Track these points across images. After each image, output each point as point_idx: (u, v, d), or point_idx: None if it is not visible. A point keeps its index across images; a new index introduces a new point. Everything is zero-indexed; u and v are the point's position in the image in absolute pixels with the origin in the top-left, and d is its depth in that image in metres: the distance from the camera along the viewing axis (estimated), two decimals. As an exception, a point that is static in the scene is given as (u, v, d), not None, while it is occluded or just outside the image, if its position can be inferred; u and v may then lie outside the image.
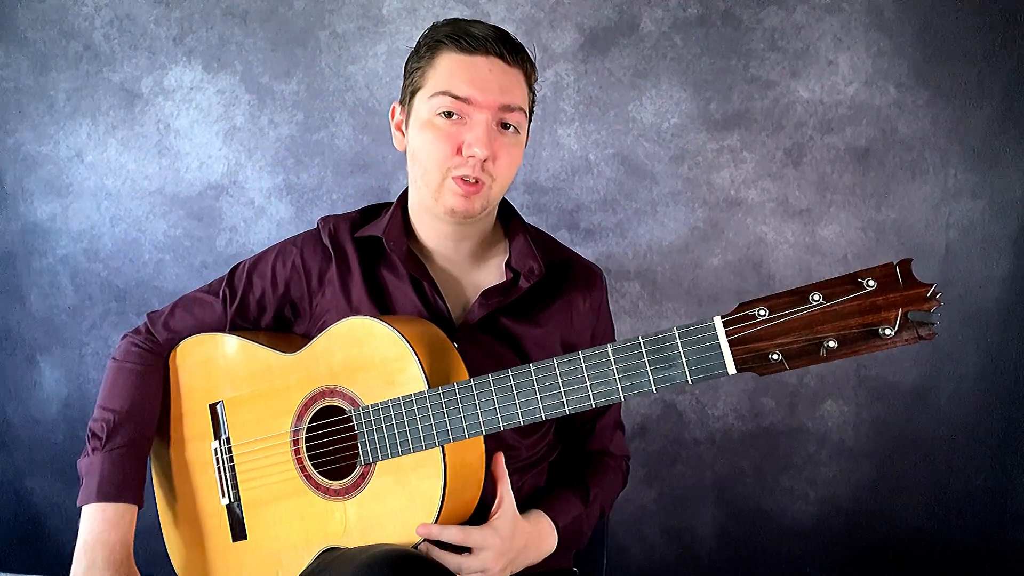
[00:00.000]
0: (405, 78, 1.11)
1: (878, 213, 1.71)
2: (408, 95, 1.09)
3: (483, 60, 1.03)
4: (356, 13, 1.78)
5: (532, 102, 1.13)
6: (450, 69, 1.04)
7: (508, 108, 1.04)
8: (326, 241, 1.17)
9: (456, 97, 1.02)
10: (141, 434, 1.17)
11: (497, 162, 1.04)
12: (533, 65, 1.10)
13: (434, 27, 1.08)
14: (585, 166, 1.77)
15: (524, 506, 1.17)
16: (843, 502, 1.82)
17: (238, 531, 1.15)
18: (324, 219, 1.20)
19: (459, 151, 1.03)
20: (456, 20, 1.07)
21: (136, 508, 1.14)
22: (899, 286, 0.76)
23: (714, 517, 1.88)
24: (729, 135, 1.72)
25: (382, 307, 1.14)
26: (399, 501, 1.00)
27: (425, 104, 1.05)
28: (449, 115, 1.04)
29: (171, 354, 1.22)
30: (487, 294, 1.11)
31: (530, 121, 1.14)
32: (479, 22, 1.06)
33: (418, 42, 1.09)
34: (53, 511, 2.11)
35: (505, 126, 1.05)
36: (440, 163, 1.04)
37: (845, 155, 1.70)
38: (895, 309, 0.76)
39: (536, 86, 1.15)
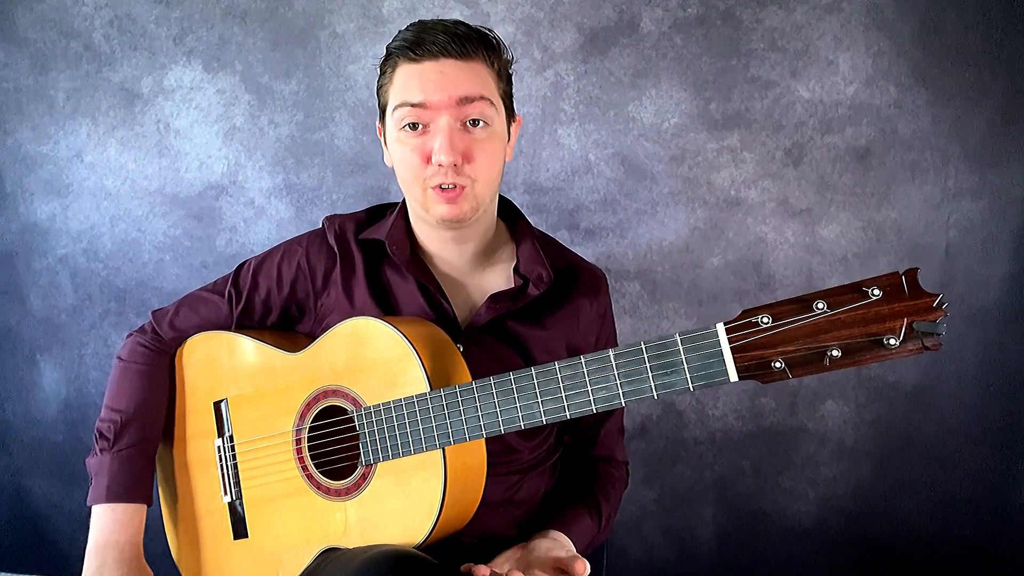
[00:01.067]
0: (377, 97, 1.11)
1: (878, 213, 1.71)
2: (381, 113, 1.11)
3: (432, 64, 1.02)
4: (356, 13, 1.78)
5: (507, 88, 1.10)
6: (404, 80, 1.04)
7: (467, 100, 1.02)
8: (331, 242, 1.17)
9: (412, 105, 1.02)
10: (148, 434, 1.18)
11: (473, 163, 1.03)
12: (496, 50, 1.07)
13: (394, 37, 1.06)
14: (585, 166, 1.77)
15: (523, 507, 1.18)
16: (843, 502, 1.82)
17: (240, 529, 1.15)
18: (330, 218, 1.20)
19: (429, 160, 1.03)
20: (414, 27, 1.05)
21: (145, 507, 1.16)
22: (904, 296, 0.76)
23: (714, 517, 1.88)
24: (729, 135, 1.72)
25: (386, 308, 1.14)
26: (399, 502, 1.00)
27: (391, 120, 1.06)
28: (415, 127, 1.03)
29: (177, 351, 1.23)
30: (496, 298, 1.11)
31: (510, 108, 1.11)
32: (435, 24, 1.04)
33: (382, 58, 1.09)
34: (53, 511, 2.11)
35: (474, 123, 1.03)
36: (415, 176, 1.05)
37: (845, 155, 1.69)
38: (900, 319, 0.76)
39: (515, 71, 1.13)
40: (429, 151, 1.02)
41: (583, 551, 1.13)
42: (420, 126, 1.03)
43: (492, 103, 1.05)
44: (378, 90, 1.10)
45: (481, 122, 1.04)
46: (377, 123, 1.14)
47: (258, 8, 1.81)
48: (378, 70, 1.10)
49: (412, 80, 1.02)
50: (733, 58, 1.69)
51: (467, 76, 1.02)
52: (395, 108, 1.04)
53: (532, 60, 1.74)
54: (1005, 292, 1.70)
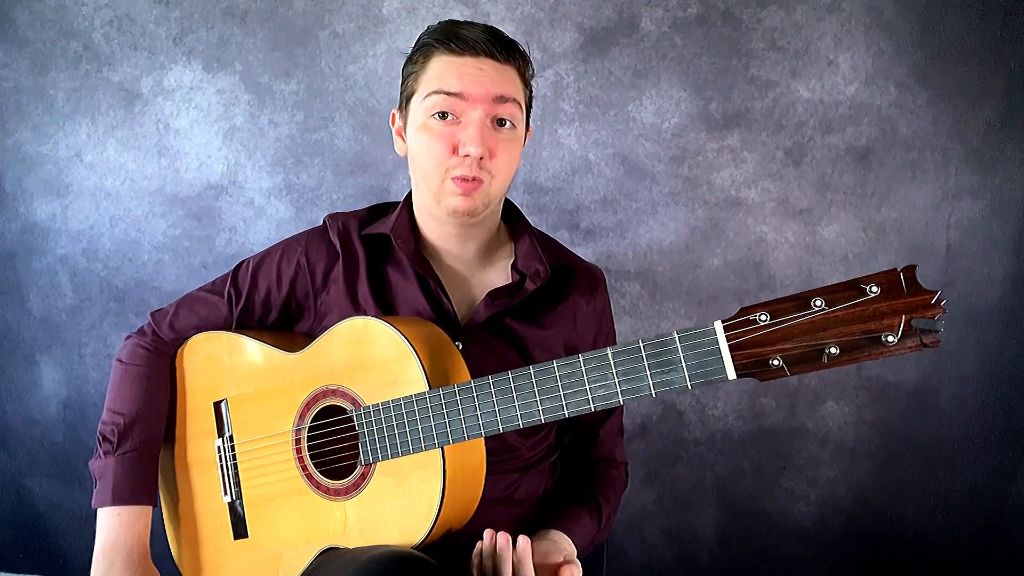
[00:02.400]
0: (402, 84, 1.12)
1: (878, 213, 1.70)
2: (404, 100, 1.11)
3: (473, 60, 1.04)
4: (356, 13, 1.78)
5: (529, 97, 1.13)
6: (441, 70, 1.05)
7: (502, 99, 1.05)
8: (334, 239, 1.17)
9: (448, 94, 1.04)
10: (151, 436, 1.18)
11: (495, 159, 1.05)
12: (527, 60, 1.11)
13: (427, 30, 1.09)
14: (585, 166, 1.77)
15: (522, 505, 1.18)
16: (844, 503, 1.82)
17: (240, 529, 1.15)
18: (332, 216, 1.20)
19: (455, 151, 1.04)
20: (448, 23, 1.08)
21: (150, 508, 1.17)
22: (903, 292, 0.75)
23: (714, 518, 1.88)
24: (729, 135, 1.72)
25: (387, 306, 1.14)
26: (399, 502, 1.00)
27: (420, 106, 1.07)
28: (444, 116, 1.05)
29: (176, 352, 1.23)
30: (493, 294, 1.12)
31: (528, 118, 1.14)
32: (471, 23, 1.07)
33: (412, 48, 1.11)
34: (53, 511, 2.11)
35: (501, 123, 1.06)
36: (438, 164, 1.05)
37: (845, 155, 1.69)
38: (898, 316, 0.75)
39: (536, 85, 1.15)
40: (457, 141, 1.04)
41: (583, 551, 1.13)
42: (451, 116, 1.05)
43: (521, 107, 1.08)
44: (404, 77, 1.11)
45: (508, 123, 1.07)
46: (394, 110, 1.15)
47: (258, 8, 1.81)
48: (412, 47, 1.11)
49: (450, 71, 1.04)
50: (733, 58, 1.69)
51: (503, 77, 1.06)
52: (428, 95, 1.05)
53: (532, 60, 1.73)
54: (1005, 292, 1.70)
